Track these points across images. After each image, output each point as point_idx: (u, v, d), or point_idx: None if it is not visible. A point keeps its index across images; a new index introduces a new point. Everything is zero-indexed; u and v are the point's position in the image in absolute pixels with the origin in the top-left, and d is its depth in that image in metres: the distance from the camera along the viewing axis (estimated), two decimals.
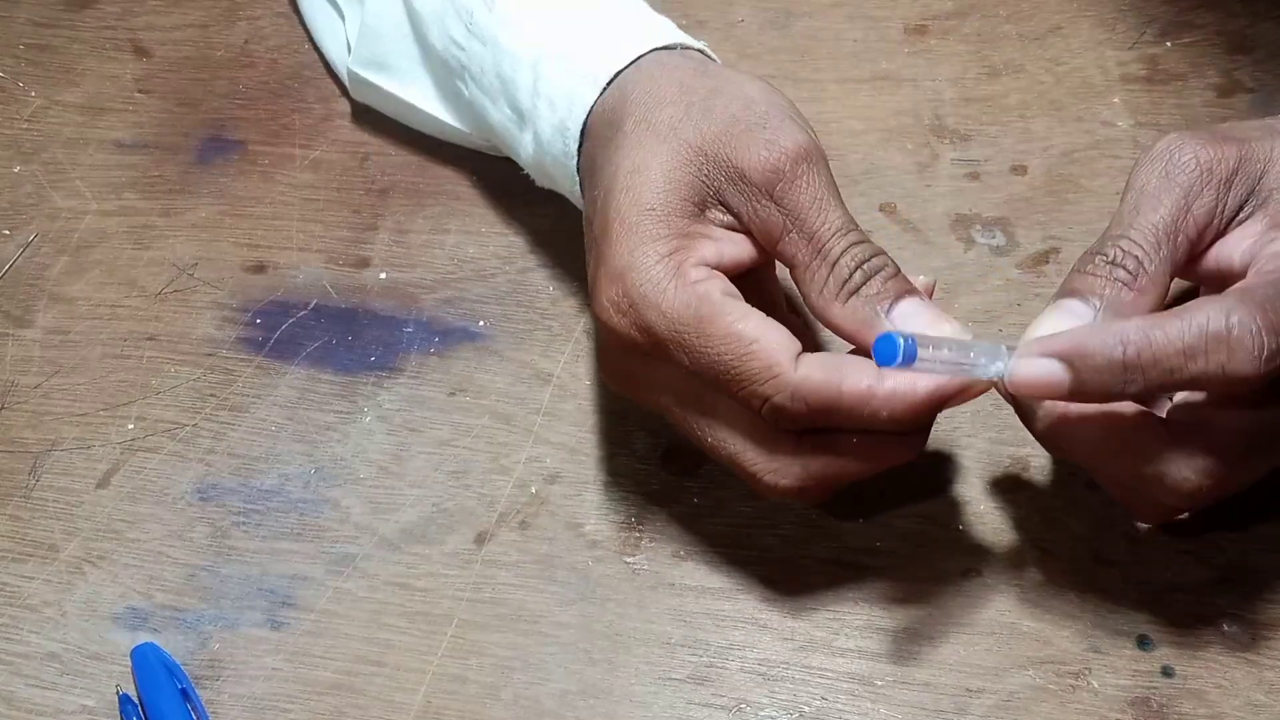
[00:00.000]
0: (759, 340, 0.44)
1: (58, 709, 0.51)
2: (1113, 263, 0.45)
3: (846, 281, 0.45)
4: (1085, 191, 0.61)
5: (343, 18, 0.64)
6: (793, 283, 0.47)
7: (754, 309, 0.45)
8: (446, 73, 0.58)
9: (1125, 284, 0.44)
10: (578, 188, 0.52)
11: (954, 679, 0.50)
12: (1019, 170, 0.62)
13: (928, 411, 0.45)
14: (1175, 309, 0.42)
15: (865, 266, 0.46)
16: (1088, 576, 0.51)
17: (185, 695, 0.50)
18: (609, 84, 0.50)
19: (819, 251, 0.46)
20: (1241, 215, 0.46)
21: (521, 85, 0.53)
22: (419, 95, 0.61)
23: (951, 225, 0.61)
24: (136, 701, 0.51)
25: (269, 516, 0.55)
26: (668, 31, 0.52)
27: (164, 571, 0.54)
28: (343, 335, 0.59)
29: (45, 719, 0.51)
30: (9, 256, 0.63)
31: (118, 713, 0.51)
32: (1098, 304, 0.45)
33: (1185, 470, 0.44)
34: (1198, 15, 0.66)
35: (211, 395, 0.58)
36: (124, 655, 0.52)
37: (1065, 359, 0.42)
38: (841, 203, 0.47)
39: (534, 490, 0.55)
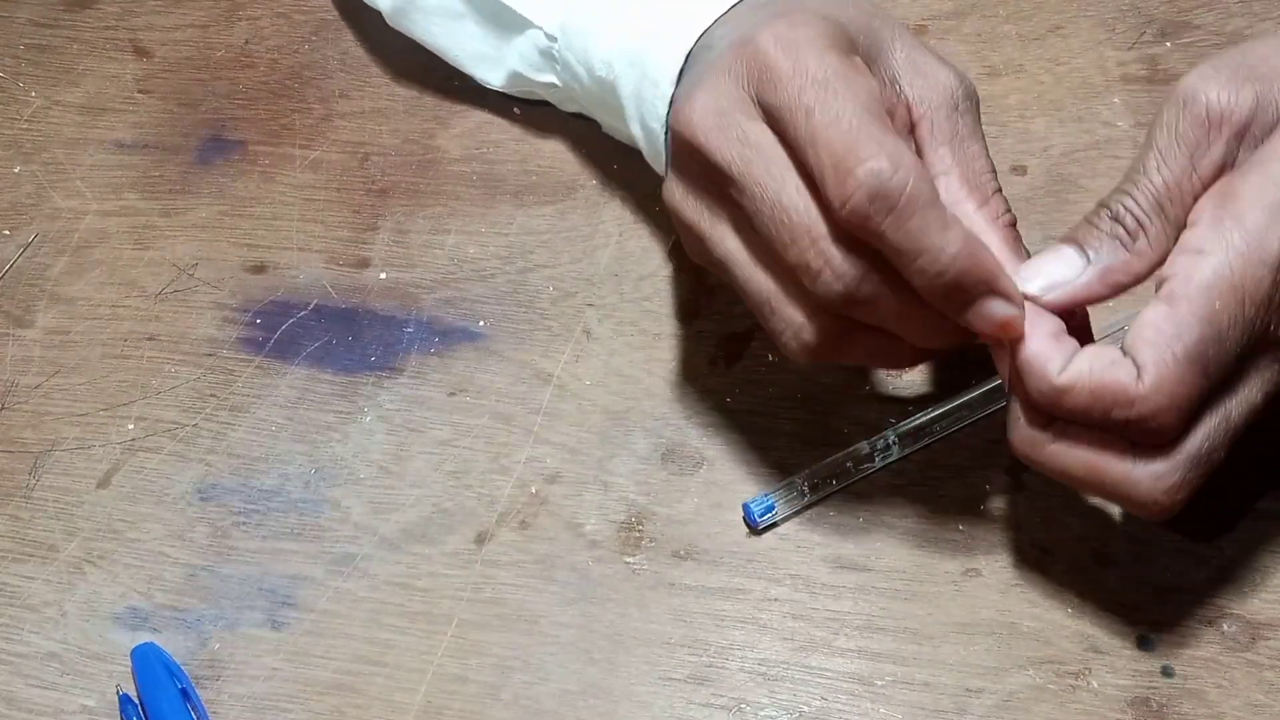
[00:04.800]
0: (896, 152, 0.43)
1: (58, 709, 0.51)
2: (1114, 218, 0.45)
3: (1006, 213, 0.47)
4: (1085, 191, 0.61)
5: None
6: None
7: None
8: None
9: (1123, 243, 0.44)
10: (674, 67, 0.51)
11: (954, 679, 0.50)
12: (1019, 170, 0.62)
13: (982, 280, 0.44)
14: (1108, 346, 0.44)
15: (1012, 215, 0.48)
16: (1088, 576, 0.51)
17: (185, 695, 0.50)
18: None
19: (984, 174, 0.48)
20: (1243, 164, 0.44)
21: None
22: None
23: None
24: (136, 701, 0.51)
25: (269, 516, 0.55)
26: None
27: (164, 571, 0.54)
28: (343, 335, 0.59)
29: (45, 719, 0.51)
30: (9, 256, 0.63)
31: (118, 713, 0.51)
32: (1091, 256, 0.45)
33: (1153, 494, 0.44)
34: (1197, 15, 0.66)
35: (212, 395, 0.58)
36: (124, 655, 0.52)
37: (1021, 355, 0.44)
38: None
39: (534, 490, 0.55)
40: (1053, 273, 0.45)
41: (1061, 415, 0.44)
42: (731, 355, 0.58)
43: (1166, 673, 0.49)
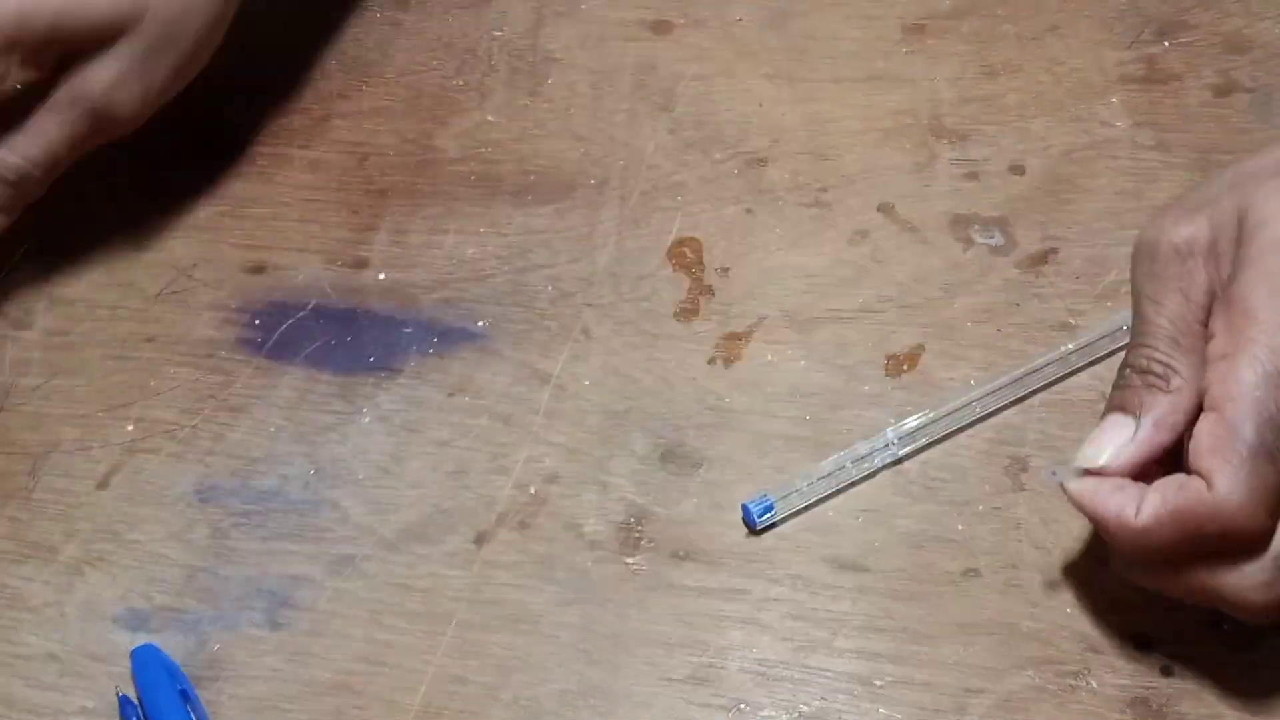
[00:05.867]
0: None
1: (58, 710, 0.51)
2: (1141, 371, 0.47)
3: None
4: (1084, 191, 0.61)
5: None
6: None
7: None
8: None
9: (1159, 388, 0.46)
10: None
11: (954, 679, 0.50)
12: (1017, 170, 0.62)
13: None
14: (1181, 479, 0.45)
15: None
16: (1088, 576, 0.51)
17: (185, 696, 0.50)
18: None
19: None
20: (1232, 273, 0.46)
21: None
22: None
23: (950, 225, 0.61)
24: (136, 702, 0.51)
25: (269, 517, 0.55)
26: None
27: (164, 572, 0.54)
28: (342, 336, 0.59)
29: None
30: (9, 257, 0.63)
31: (117, 714, 0.51)
32: (1137, 414, 0.46)
33: (1249, 597, 0.45)
34: (1195, 15, 0.66)
35: (211, 396, 0.58)
36: (124, 656, 0.52)
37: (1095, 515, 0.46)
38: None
39: (533, 490, 0.55)
40: (1112, 441, 0.46)
41: (1157, 553, 0.45)
42: (731, 355, 0.58)
43: (1166, 673, 0.49)
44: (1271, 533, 0.44)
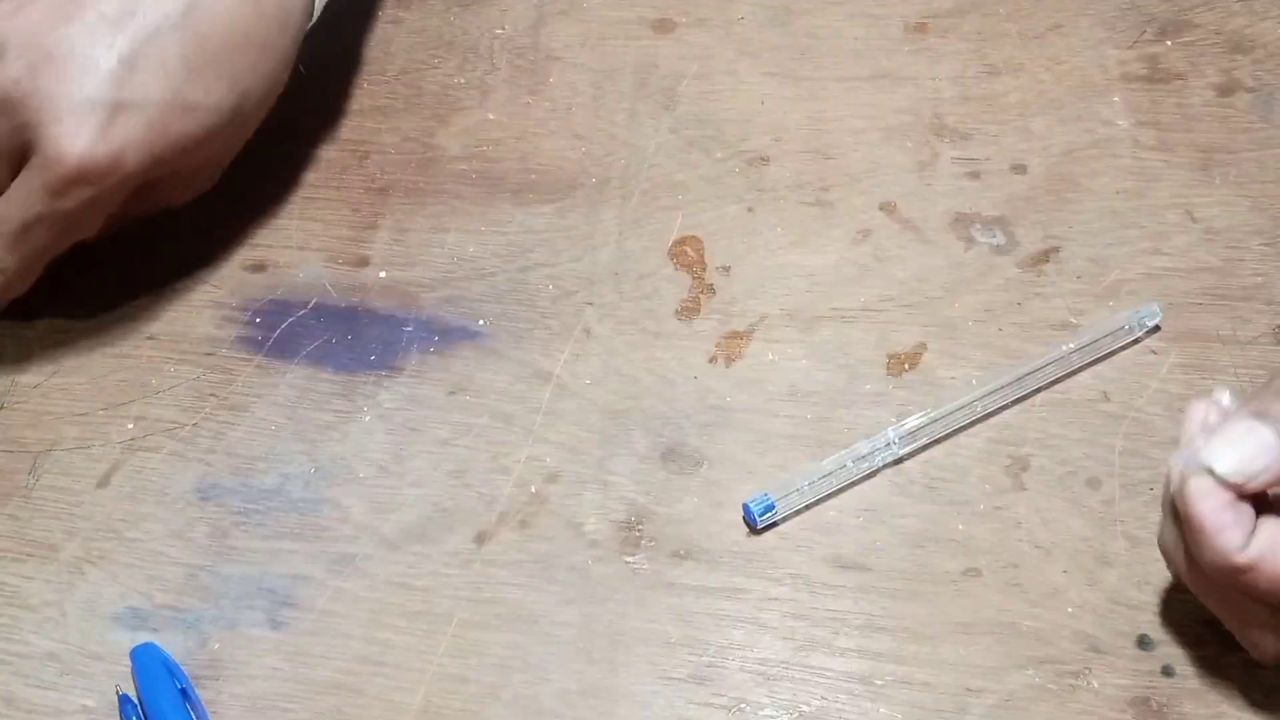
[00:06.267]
0: None
1: (58, 709, 0.51)
2: None
3: None
4: (1085, 191, 0.61)
5: None
6: None
7: None
8: None
9: None
10: None
11: (954, 679, 0.50)
12: (1019, 169, 0.62)
13: None
14: None
15: None
16: (1088, 576, 0.51)
17: (185, 695, 0.50)
18: None
19: None
20: None
21: None
22: None
23: (951, 224, 0.61)
24: (136, 701, 0.51)
25: (269, 516, 0.55)
26: None
27: (164, 571, 0.54)
28: (342, 334, 0.59)
29: (45, 719, 0.51)
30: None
31: (118, 713, 0.51)
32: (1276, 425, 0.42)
33: None
34: (1197, 14, 0.66)
35: (211, 394, 0.58)
36: (124, 655, 0.52)
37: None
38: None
39: (534, 490, 0.55)
40: (1248, 456, 0.42)
41: (1246, 589, 0.43)
42: (733, 354, 0.58)
43: (1166, 673, 0.49)
44: None
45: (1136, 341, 0.56)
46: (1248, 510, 0.42)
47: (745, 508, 0.53)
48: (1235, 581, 0.42)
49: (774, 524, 0.53)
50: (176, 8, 0.54)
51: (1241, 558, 0.41)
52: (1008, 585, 0.52)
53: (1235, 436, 0.42)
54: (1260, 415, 0.42)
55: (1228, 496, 0.42)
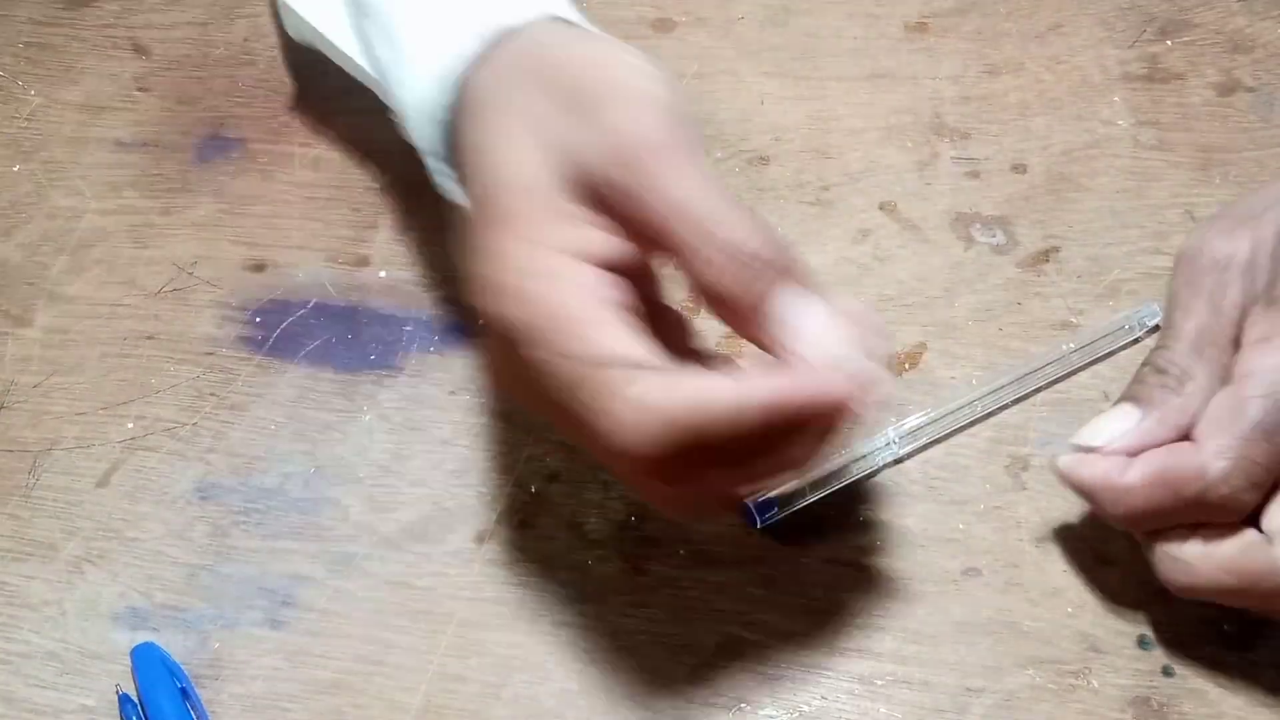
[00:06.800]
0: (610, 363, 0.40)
1: (58, 709, 0.51)
2: (1158, 371, 0.47)
3: (727, 270, 0.41)
4: (1085, 190, 0.61)
5: None
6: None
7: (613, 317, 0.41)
8: (354, 9, 0.54)
9: (1172, 390, 0.47)
10: (439, 146, 0.48)
11: (954, 679, 0.50)
12: (1019, 169, 0.62)
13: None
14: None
15: (744, 259, 0.41)
16: (1088, 576, 0.51)
17: (185, 695, 0.50)
18: (493, 42, 0.46)
19: (689, 235, 0.41)
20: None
21: (401, 25, 0.49)
22: (343, 35, 0.58)
23: (951, 224, 0.61)
24: (136, 701, 0.51)
25: (269, 516, 0.55)
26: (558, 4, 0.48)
27: (164, 571, 0.54)
28: (343, 334, 0.59)
29: (45, 718, 0.51)
30: (9, 256, 0.63)
31: (118, 712, 0.51)
32: (1145, 408, 0.47)
33: (1219, 575, 0.45)
34: (1198, 14, 0.66)
35: (211, 394, 0.58)
36: (124, 655, 0.52)
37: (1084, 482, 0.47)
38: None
39: (534, 489, 0.55)
40: (1112, 428, 0.47)
41: (1141, 514, 0.46)
42: (734, 353, 0.57)
43: (1166, 673, 0.49)
44: (1250, 511, 0.45)
45: (1136, 341, 0.56)
46: (1125, 457, 0.47)
47: (745, 506, 0.53)
48: (1136, 509, 0.46)
49: (774, 523, 0.53)
50: None
51: (1123, 479, 0.46)
52: (1008, 585, 0.52)
53: (1098, 419, 0.48)
54: (1129, 400, 0.48)
55: (1098, 455, 0.47)
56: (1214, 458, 0.44)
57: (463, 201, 0.46)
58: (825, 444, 0.42)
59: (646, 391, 0.39)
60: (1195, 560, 0.46)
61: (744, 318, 0.42)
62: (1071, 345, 0.56)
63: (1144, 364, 0.48)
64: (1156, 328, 0.56)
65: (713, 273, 0.41)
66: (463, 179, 0.46)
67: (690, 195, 0.41)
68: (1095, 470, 0.47)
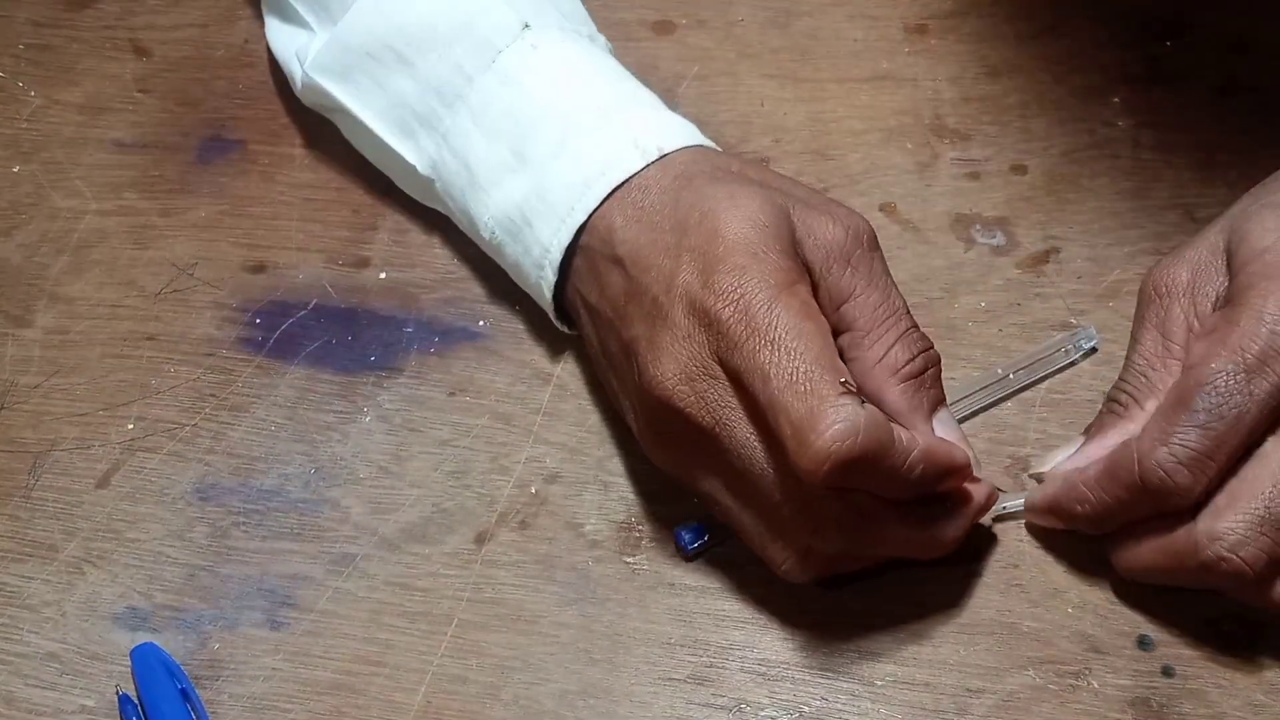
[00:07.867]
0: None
1: (57, 709, 0.51)
2: (1111, 400, 0.52)
3: (909, 363, 0.49)
4: (1085, 191, 0.61)
5: (310, 29, 0.61)
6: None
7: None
8: (417, 97, 0.57)
9: (1118, 415, 0.51)
10: (556, 253, 0.53)
11: (954, 679, 0.50)
12: (1019, 170, 0.62)
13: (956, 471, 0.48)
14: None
15: (924, 356, 0.49)
16: (1088, 576, 0.51)
17: (185, 695, 0.50)
18: (656, 160, 0.52)
19: (884, 323, 0.49)
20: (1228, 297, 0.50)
21: (542, 134, 0.53)
22: (370, 115, 0.59)
23: (951, 225, 0.61)
24: (136, 701, 0.51)
25: (269, 516, 0.55)
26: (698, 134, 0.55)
27: (164, 571, 0.54)
28: (342, 335, 0.59)
29: (45, 719, 0.51)
30: (9, 256, 0.63)
31: (117, 713, 0.51)
32: (1095, 435, 0.51)
33: (1219, 553, 0.46)
34: (1198, 15, 0.66)
35: (211, 395, 0.58)
36: (124, 655, 0.52)
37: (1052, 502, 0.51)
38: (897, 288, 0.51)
39: (534, 490, 0.55)
40: (1060, 456, 0.52)
41: (1106, 513, 0.49)
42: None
43: (1167, 673, 0.49)
44: (1195, 499, 0.46)
45: (1072, 364, 0.56)
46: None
47: (677, 533, 0.53)
48: (1092, 505, 0.49)
49: (703, 551, 0.53)
50: None
51: (1079, 475, 0.50)
52: (1008, 585, 0.52)
53: (1048, 453, 0.53)
54: (1085, 433, 0.52)
55: (1059, 479, 0.51)
56: (1152, 441, 0.47)
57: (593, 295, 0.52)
58: (957, 532, 0.49)
59: (853, 405, 0.45)
60: (1137, 542, 0.48)
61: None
62: (1000, 370, 0.55)
63: (1105, 398, 0.52)
64: (1094, 350, 0.56)
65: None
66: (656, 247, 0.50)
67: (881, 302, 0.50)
68: (1054, 485, 0.50)
